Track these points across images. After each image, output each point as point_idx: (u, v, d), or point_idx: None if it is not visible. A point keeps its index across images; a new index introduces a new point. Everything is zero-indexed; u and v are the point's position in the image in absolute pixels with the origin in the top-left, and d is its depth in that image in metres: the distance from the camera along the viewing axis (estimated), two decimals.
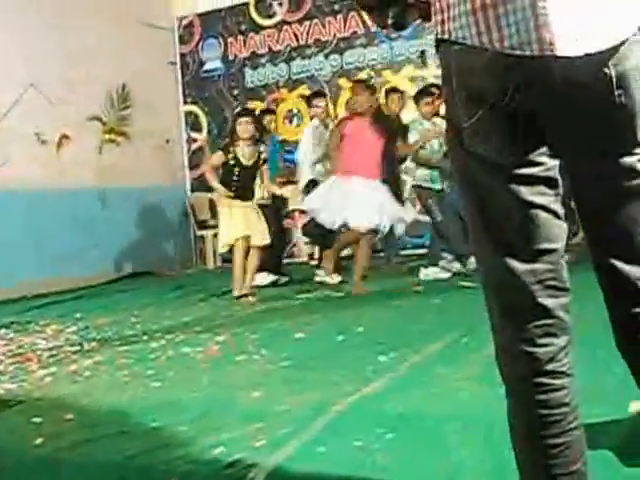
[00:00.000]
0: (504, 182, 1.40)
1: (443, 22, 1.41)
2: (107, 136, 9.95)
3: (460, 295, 5.93)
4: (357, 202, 6.18)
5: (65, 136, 9.14)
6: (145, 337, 5.02)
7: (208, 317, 5.82)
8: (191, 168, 11.33)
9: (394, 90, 7.94)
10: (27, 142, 8.67)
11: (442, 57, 1.45)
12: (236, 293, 6.61)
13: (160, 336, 4.98)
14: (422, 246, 8.64)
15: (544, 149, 1.38)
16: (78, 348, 4.79)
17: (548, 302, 1.42)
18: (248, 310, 6.13)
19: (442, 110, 7.44)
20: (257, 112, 8.46)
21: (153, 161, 10.59)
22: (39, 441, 2.83)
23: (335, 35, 10.39)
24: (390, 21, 1.67)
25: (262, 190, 7.24)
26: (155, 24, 10.72)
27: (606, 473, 1.93)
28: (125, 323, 5.75)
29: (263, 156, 6.80)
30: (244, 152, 6.66)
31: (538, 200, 1.39)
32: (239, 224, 6.55)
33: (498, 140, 1.39)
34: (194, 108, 11.42)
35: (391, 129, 6.41)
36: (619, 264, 1.42)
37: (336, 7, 10.30)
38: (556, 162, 1.40)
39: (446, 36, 1.40)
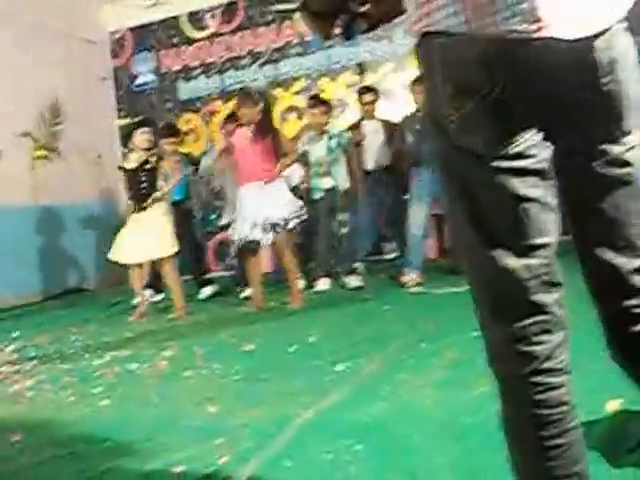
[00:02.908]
0: (495, 175, 1.33)
1: (428, 14, 1.34)
2: (38, 152, 9.72)
3: (409, 301, 5.92)
4: (243, 211, 6.16)
5: None
6: (87, 354, 4.83)
7: (151, 332, 5.65)
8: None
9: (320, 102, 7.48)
10: None
11: (424, 52, 1.38)
12: (131, 318, 6.63)
13: (103, 353, 4.81)
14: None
15: (536, 140, 1.32)
16: (18, 368, 4.59)
17: (543, 298, 1.35)
18: (191, 324, 5.99)
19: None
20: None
21: (86, 177, 10.38)
22: None
23: (269, 45, 10.36)
24: (338, 30, 1.59)
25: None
26: (87, 39, 10.56)
27: (598, 473, 1.87)
28: (65, 341, 5.54)
29: (154, 159, 6.67)
30: (128, 157, 6.72)
31: (531, 193, 1.33)
32: (119, 246, 6.63)
33: (488, 132, 1.32)
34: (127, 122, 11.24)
35: (272, 141, 6.29)
36: (608, 256, 1.37)
37: (269, 17, 10.29)
38: (548, 154, 1.34)
39: (432, 28, 1.33)
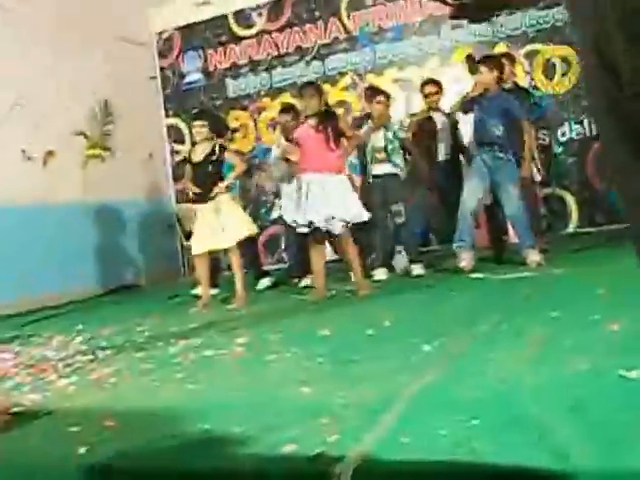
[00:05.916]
0: None
1: None
2: (91, 151, 9.84)
3: (473, 286, 5.85)
4: (310, 201, 6.08)
5: (50, 152, 8.99)
6: (160, 343, 4.78)
7: (216, 322, 5.59)
8: (175, 180, 11.18)
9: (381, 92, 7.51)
10: (13, 159, 8.54)
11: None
12: (194, 309, 6.64)
13: (175, 342, 4.75)
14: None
15: None
16: (92, 357, 4.55)
17: None
18: (256, 313, 5.95)
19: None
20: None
21: (137, 175, 10.55)
22: (83, 450, 2.59)
23: (316, 42, 10.40)
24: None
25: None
26: (134, 40, 10.68)
27: None
28: (132, 332, 5.50)
29: (217, 149, 6.72)
30: (195, 149, 6.82)
31: None
32: (199, 237, 6.69)
33: None
34: (176, 121, 11.35)
35: (336, 126, 6.24)
36: None
37: (316, 14, 10.32)
38: None
39: None
